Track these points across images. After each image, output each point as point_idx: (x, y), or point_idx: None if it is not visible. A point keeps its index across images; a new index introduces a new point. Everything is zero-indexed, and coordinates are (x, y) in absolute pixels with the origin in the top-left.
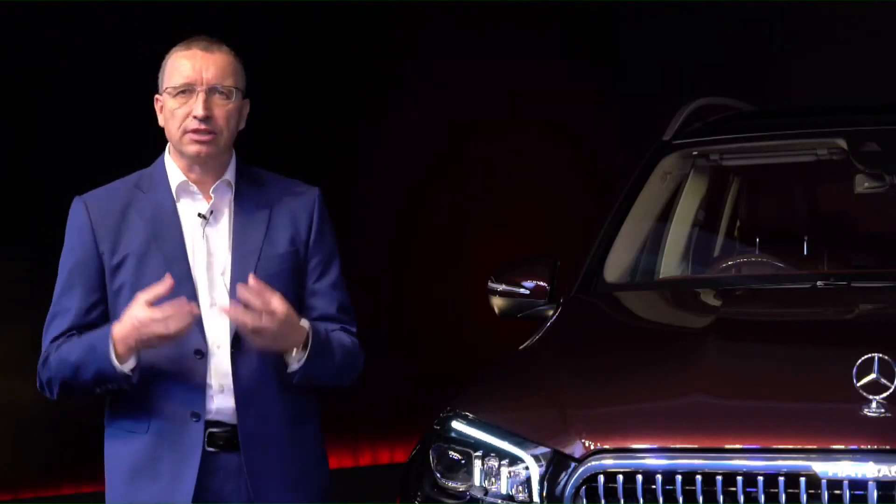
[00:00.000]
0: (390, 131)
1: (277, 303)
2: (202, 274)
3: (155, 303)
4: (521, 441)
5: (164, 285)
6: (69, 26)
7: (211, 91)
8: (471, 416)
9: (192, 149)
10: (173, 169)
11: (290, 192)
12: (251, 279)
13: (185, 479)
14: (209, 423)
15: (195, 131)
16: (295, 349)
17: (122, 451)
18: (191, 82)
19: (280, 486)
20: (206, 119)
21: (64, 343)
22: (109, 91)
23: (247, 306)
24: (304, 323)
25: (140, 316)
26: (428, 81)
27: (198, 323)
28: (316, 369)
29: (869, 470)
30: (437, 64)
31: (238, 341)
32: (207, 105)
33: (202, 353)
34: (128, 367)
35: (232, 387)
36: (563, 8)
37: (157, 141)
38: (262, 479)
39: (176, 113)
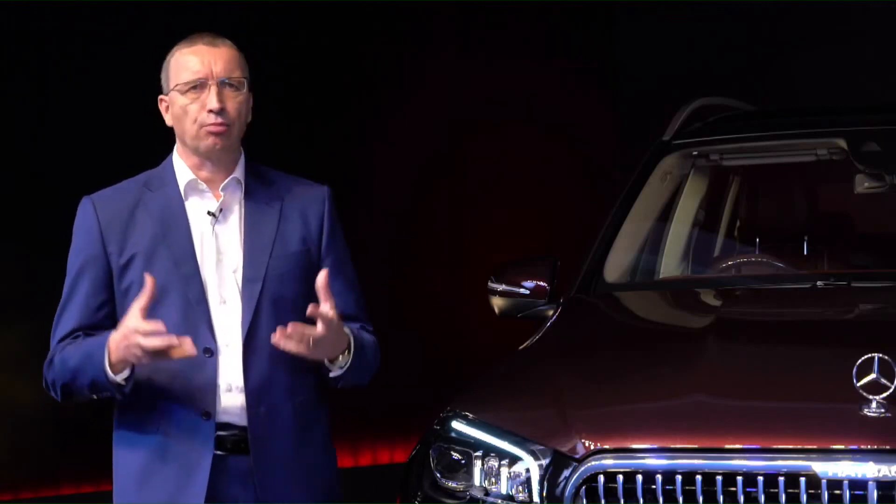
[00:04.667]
0: (390, 131)
1: (331, 308)
2: (211, 272)
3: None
4: (521, 441)
5: (147, 288)
6: (71, 26)
7: (222, 84)
8: (471, 416)
9: (209, 142)
10: (182, 168)
11: (299, 189)
12: (323, 275)
13: (196, 480)
14: (217, 426)
15: (211, 124)
16: (341, 355)
17: (131, 452)
18: (202, 77)
19: (287, 487)
20: (221, 111)
21: (68, 345)
22: (111, 91)
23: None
24: (346, 328)
25: (130, 325)
26: (428, 81)
27: (207, 321)
28: (355, 372)
29: (869, 470)
30: (437, 64)
31: (249, 340)
32: (221, 98)
33: (211, 352)
34: (121, 377)
35: (241, 386)
36: (563, 8)
37: (161, 142)
38: (270, 481)
39: (189, 109)
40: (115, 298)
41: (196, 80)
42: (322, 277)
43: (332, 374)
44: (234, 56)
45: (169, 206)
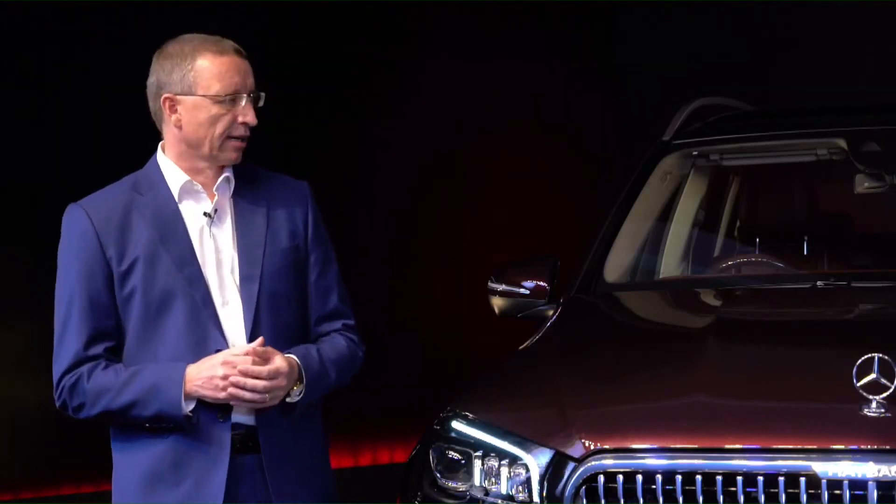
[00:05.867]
0: (390, 131)
1: (279, 361)
2: (213, 273)
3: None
4: (521, 441)
5: (256, 344)
6: (68, 28)
7: (250, 97)
8: (471, 416)
9: (233, 155)
10: (171, 169)
11: (282, 186)
12: (259, 343)
13: (214, 481)
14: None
15: (241, 138)
16: (294, 386)
17: (137, 456)
18: (240, 90)
19: (293, 481)
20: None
21: (97, 370)
22: (111, 91)
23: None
24: (292, 358)
25: (233, 361)
26: (428, 81)
27: (215, 323)
28: (314, 393)
29: (869, 470)
30: (437, 64)
31: (253, 339)
32: (255, 112)
33: None
34: (189, 408)
35: None
36: (563, 8)
37: (154, 141)
38: (280, 477)
39: (222, 119)
40: (118, 304)
41: (235, 93)
42: (258, 342)
43: (287, 400)
44: (251, 67)
45: (163, 209)
